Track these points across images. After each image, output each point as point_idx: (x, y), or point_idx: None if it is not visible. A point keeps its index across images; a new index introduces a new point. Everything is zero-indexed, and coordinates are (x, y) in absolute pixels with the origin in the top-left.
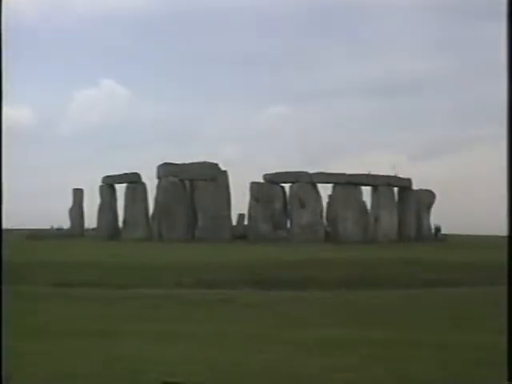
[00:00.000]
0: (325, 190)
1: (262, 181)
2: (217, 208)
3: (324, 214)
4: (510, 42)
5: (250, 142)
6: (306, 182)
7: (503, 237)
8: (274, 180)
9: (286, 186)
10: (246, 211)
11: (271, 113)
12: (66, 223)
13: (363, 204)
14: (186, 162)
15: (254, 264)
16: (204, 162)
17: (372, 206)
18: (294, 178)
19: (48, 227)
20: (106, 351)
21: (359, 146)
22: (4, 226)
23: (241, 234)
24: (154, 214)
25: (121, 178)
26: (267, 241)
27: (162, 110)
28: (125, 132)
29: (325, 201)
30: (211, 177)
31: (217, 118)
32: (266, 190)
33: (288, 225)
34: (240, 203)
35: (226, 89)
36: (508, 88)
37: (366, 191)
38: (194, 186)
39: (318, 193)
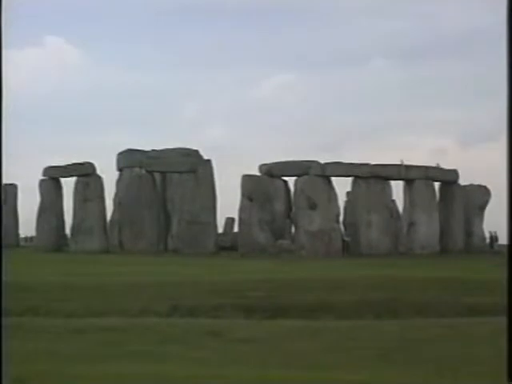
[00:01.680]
0: (342, 186)
1: (257, 173)
2: (197, 210)
3: (341, 217)
4: (510, 42)
5: (243, 123)
6: (317, 174)
7: None
8: (273, 172)
9: (290, 180)
10: (236, 214)
11: (271, 84)
12: None
13: (393, 204)
14: (157, 149)
15: (247, 285)
16: (180, 149)
17: (405, 208)
18: (301, 169)
19: None
20: None
21: (387, 127)
22: None
23: (229, 245)
24: (113, 217)
25: (68, 170)
26: (265, 254)
27: (126, 78)
28: (75, 107)
29: (342, 200)
30: (190, 168)
31: (199, 91)
32: (263, 185)
33: (293, 232)
34: (228, 203)
35: (212, 52)
36: (508, 88)
37: (397, 187)
38: (166, 180)
39: (332, 189)
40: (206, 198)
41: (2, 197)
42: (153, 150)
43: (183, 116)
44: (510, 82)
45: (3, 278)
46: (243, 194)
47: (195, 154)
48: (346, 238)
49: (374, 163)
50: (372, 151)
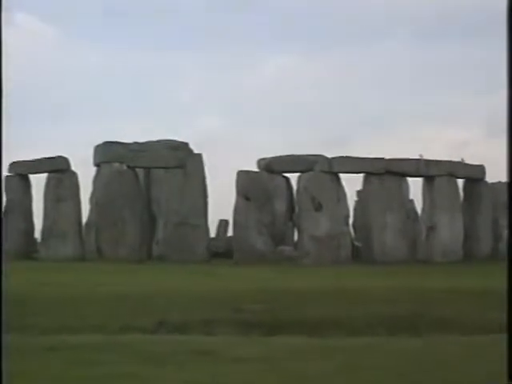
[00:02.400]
0: (352, 184)
1: (255, 169)
2: (186, 211)
3: (351, 219)
4: (510, 42)
5: (239, 112)
6: (323, 170)
7: None
8: (273, 168)
9: (293, 177)
10: (230, 216)
11: (271, 67)
12: None
13: (411, 205)
14: (140, 141)
15: (244, 296)
16: (167, 141)
17: (424, 209)
18: (305, 164)
19: None
20: None
21: (404, 116)
22: None
23: (223, 251)
24: (89, 219)
25: (38, 165)
26: (263, 261)
27: (105, 61)
28: (46, 93)
29: (352, 200)
30: (178, 163)
31: (189, 75)
32: (262, 183)
33: (295, 237)
34: (222, 203)
35: (202, 29)
36: (508, 87)
37: (416, 185)
38: (151, 177)
39: (341, 188)
40: (197, 198)
41: None
42: (135, 143)
43: (170, 104)
44: (510, 82)
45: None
46: (239, 193)
47: (184, 146)
48: (357, 244)
49: (388, 157)
50: (386, 144)
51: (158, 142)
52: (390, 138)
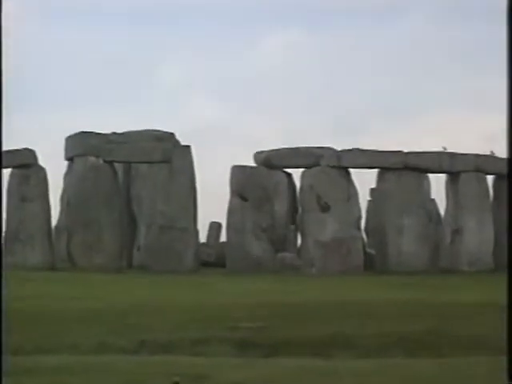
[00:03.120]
0: (364, 181)
1: (252, 164)
2: (172, 212)
3: (363, 222)
4: (510, 42)
5: (233, 97)
6: (331, 165)
7: None
8: (273, 162)
9: (296, 172)
10: (223, 218)
11: (271, 45)
12: None
13: (432, 205)
14: (119, 132)
15: (239, 312)
16: (150, 132)
17: (448, 210)
18: (310, 158)
19: None
20: None
21: (425, 102)
22: None
23: (215, 259)
24: (60, 222)
25: (0, 159)
26: (261, 270)
27: (79, 37)
28: (9, 77)
29: (364, 199)
30: (163, 157)
31: (175, 54)
32: (260, 180)
33: (298, 242)
34: (213, 203)
35: (193, 4)
36: (508, 87)
37: (438, 182)
38: (131, 173)
39: (351, 185)
40: (184, 197)
41: None
42: (113, 133)
43: (155, 88)
44: (511, 81)
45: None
46: (233, 192)
47: (170, 138)
48: (370, 250)
49: (407, 150)
50: (405, 135)
51: (139, 132)
52: (409, 128)
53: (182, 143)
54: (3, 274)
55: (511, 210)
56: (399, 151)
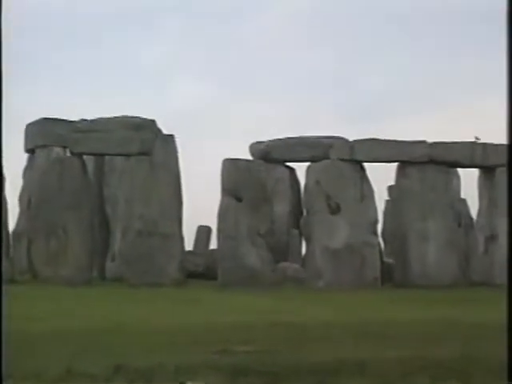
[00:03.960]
0: (381, 177)
1: (247, 157)
2: (153, 214)
3: (380, 226)
4: (510, 42)
5: (226, 77)
6: (342, 158)
7: None
8: (272, 155)
9: (299, 167)
10: (213, 221)
11: (271, 13)
12: None
13: (463, 206)
14: (89, 118)
15: (232, 333)
16: (127, 118)
17: (481, 212)
18: (317, 150)
19: None
20: None
21: (453, 83)
22: None
23: (203, 270)
24: (19, 226)
25: None
26: (259, 284)
27: (44, 5)
28: None
29: (381, 199)
30: (141, 148)
31: (157, 25)
32: (257, 176)
33: (303, 250)
34: (202, 204)
35: None
36: (508, 87)
37: (470, 179)
38: (104, 167)
39: (366, 182)
40: (167, 196)
41: None
42: (83, 120)
43: (133, 65)
44: (510, 81)
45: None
46: (225, 190)
47: (150, 125)
48: (388, 260)
49: (432, 141)
50: (430, 122)
51: (113, 119)
52: (436, 114)
53: (165, 132)
54: None
55: (511, 210)
56: (423, 141)
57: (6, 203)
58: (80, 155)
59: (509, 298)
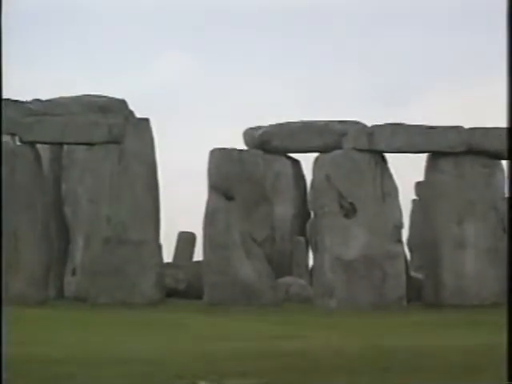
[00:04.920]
0: (407, 172)
1: (240, 146)
2: (123, 217)
3: (405, 232)
4: (510, 43)
5: (215, 47)
6: (359, 148)
7: None
8: (272, 144)
9: (306, 158)
10: (199, 226)
11: None
12: None
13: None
14: (43, 98)
15: (224, 365)
16: (90, 98)
17: None
18: (327, 137)
19: None
20: None
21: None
22: None
23: (186, 287)
24: None
25: None
26: (256, 303)
27: None
28: None
29: (407, 199)
30: (109, 135)
31: None
32: (253, 169)
33: (310, 262)
34: (183, 205)
35: None
36: (508, 87)
37: None
38: (63, 159)
39: (388, 177)
40: (141, 195)
41: None
42: (36, 101)
43: (98, 35)
44: (511, 81)
45: None
46: (213, 187)
47: (120, 107)
48: (416, 274)
49: (469, 126)
50: (467, 103)
51: (74, 99)
52: (475, 94)
53: (138, 115)
54: None
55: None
56: (459, 127)
57: None
58: (32, 144)
59: (509, 301)
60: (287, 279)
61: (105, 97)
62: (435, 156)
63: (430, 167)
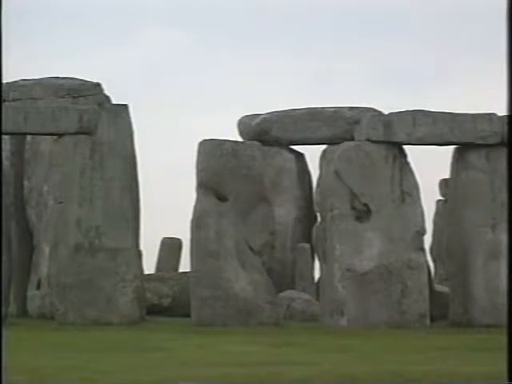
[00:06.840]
0: (431, 167)
1: (235, 137)
2: (97, 221)
3: (428, 238)
4: (510, 42)
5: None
6: (373, 139)
7: None
8: (272, 134)
9: (312, 151)
10: (185, 231)
11: None
12: None
13: None
14: (5, 81)
15: None
16: (57, 81)
17: None
18: (336, 126)
19: None
20: None
21: None
22: None
23: (170, 303)
24: None
25: None
26: (253, 322)
27: None
28: None
29: (431, 200)
30: (80, 125)
31: None
32: (249, 164)
33: (316, 273)
34: (168, 206)
35: None
36: (508, 87)
37: None
38: (25, 153)
39: (407, 173)
40: (118, 195)
41: None
42: None
43: (67, 8)
44: (510, 81)
45: None
46: (202, 185)
47: (93, 91)
48: (441, 287)
49: (505, 114)
50: (500, 87)
51: (38, 82)
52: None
53: (114, 101)
54: None
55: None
56: (492, 114)
57: None
58: None
59: (509, 301)
60: (289, 293)
61: (75, 79)
62: (463, 149)
63: (458, 162)
